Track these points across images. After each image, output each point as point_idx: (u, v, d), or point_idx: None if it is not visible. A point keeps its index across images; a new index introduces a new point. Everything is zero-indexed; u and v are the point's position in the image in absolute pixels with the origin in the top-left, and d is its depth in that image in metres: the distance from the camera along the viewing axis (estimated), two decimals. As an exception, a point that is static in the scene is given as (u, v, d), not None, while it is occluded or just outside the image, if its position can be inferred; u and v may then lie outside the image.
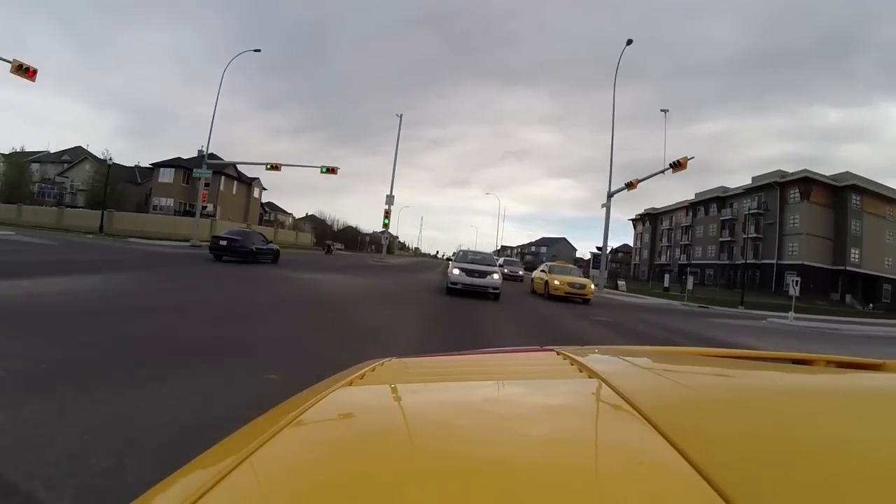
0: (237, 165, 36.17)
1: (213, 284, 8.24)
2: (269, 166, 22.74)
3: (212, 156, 27.45)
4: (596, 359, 0.76)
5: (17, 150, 51.39)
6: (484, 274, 10.53)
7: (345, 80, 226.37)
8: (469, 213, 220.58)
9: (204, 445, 0.50)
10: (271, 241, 17.40)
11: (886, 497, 0.32)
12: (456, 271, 10.78)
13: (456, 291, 10.41)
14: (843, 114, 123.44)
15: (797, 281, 14.52)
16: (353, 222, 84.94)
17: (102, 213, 25.82)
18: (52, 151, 49.83)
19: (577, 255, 78.37)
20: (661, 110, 19.42)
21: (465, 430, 0.48)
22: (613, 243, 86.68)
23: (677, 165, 13.51)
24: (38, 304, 4.45)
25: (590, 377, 0.63)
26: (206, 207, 29.08)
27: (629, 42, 18.44)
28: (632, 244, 68.82)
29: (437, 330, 5.77)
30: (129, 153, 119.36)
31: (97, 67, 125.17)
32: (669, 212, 55.48)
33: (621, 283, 30.35)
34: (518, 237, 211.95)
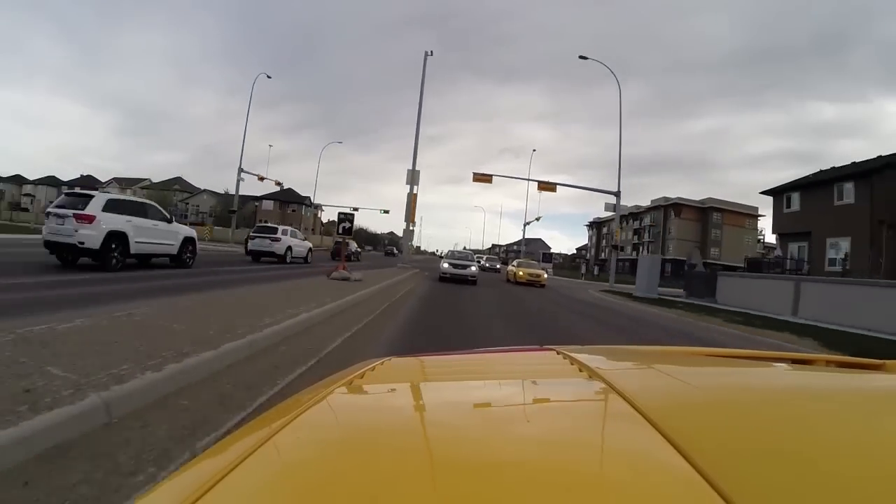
0: (300, 193, 55.69)
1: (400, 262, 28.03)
2: (351, 209, 42.39)
3: (289, 189, 47.42)
4: (596, 358, 0.77)
5: (119, 177, 70.94)
6: (464, 267, 15.81)
7: (341, 79, 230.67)
8: (467, 210, 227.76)
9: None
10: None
11: (887, 497, 0.32)
12: (445, 265, 16.04)
13: (446, 278, 15.34)
14: (838, 109, 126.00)
15: (587, 261, 34.29)
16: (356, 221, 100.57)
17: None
18: (155, 181, 69.42)
19: (552, 251, 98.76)
20: (536, 219, 39.08)
21: (465, 430, 0.48)
22: (578, 243, 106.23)
23: (538, 219, 33.52)
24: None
25: (590, 377, 0.63)
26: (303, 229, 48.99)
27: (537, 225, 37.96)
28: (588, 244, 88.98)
29: (450, 281, 15.64)
30: (128, 153, 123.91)
31: (93, 68, 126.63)
32: (607, 221, 75.40)
33: (549, 271, 50.65)
34: (517, 233, 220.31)
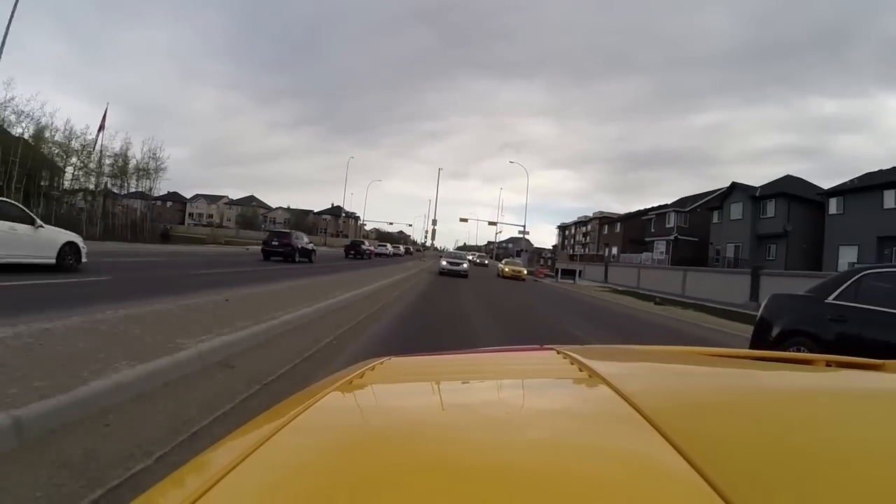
0: (344, 208, 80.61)
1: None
2: (388, 223, 67.16)
3: (344, 210, 72.23)
4: (596, 358, 0.76)
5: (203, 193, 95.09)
6: (458, 264, 22.62)
7: (342, 75, 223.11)
8: (468, 205, 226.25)
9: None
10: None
11: (886, 497, 0.32)
12: (444, 262, 22.79)
13: (444, 273, 21.52)
14: (840, 105, 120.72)
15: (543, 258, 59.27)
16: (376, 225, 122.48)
17: (324, 239, 70.11)
18: (234, 198, 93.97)
19: (538, 248, 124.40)
20: (499, 232, 63.62)
21: (465, 430, 0.48)
22: (553, 241, 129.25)
23: (500, 232, 58.01)
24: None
25: (590, 377, 0.63)
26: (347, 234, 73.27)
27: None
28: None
29: (448, 272, 23.64)
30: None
31: (94, 64, 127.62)
32: (569, 226, 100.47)
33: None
34: (516, 228, 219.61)
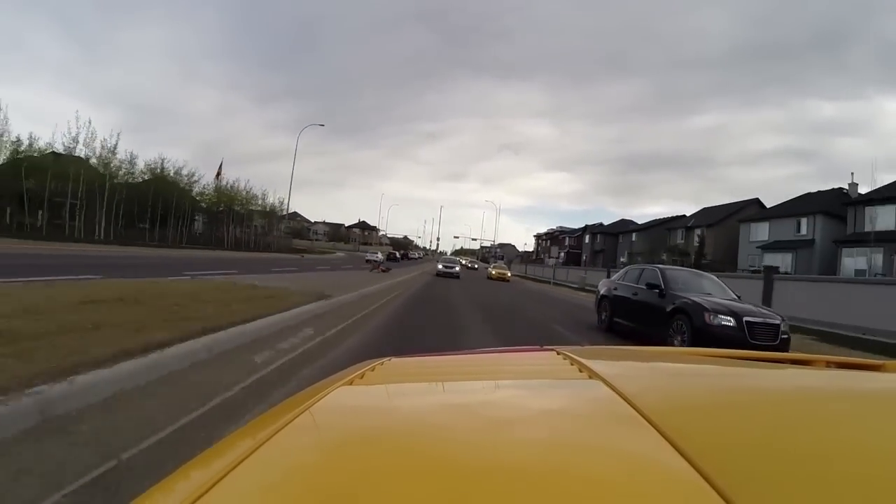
0: (368, 222, 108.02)
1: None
2: (403, 237, 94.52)
3: (364, 221, 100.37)
4: (596, 359, 0.76)
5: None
6: (452, 267, 28.62)
7: (341, 75, 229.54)
8: (466, 206, 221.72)
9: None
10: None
11: (887, 498, 0.33)
12: (440, 266, 29.12)
13: (440, 275, 26.16)
14: (837, 107, 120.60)
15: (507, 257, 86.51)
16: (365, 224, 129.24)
17: (358, 247, 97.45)
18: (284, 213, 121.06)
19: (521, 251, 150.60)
20: (482, 243, 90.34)
21: (465, 431, 0.48)
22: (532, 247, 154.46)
23: (483, 242, 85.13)
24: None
25: (590, 377, 0.63)
26: (371, 244, 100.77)
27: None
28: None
29: (444, 274, 28.67)
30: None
31: (94, 64, 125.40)
32: (542, 235, 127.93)
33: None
34: (516, 229, 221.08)
